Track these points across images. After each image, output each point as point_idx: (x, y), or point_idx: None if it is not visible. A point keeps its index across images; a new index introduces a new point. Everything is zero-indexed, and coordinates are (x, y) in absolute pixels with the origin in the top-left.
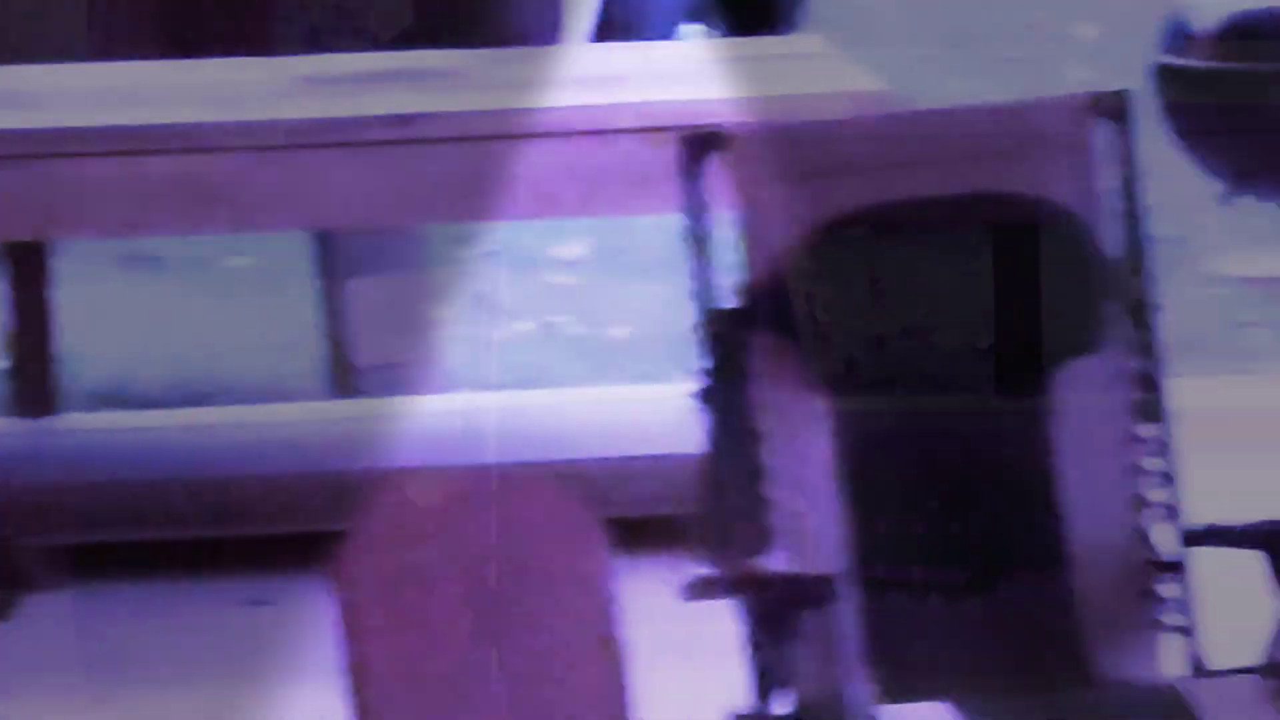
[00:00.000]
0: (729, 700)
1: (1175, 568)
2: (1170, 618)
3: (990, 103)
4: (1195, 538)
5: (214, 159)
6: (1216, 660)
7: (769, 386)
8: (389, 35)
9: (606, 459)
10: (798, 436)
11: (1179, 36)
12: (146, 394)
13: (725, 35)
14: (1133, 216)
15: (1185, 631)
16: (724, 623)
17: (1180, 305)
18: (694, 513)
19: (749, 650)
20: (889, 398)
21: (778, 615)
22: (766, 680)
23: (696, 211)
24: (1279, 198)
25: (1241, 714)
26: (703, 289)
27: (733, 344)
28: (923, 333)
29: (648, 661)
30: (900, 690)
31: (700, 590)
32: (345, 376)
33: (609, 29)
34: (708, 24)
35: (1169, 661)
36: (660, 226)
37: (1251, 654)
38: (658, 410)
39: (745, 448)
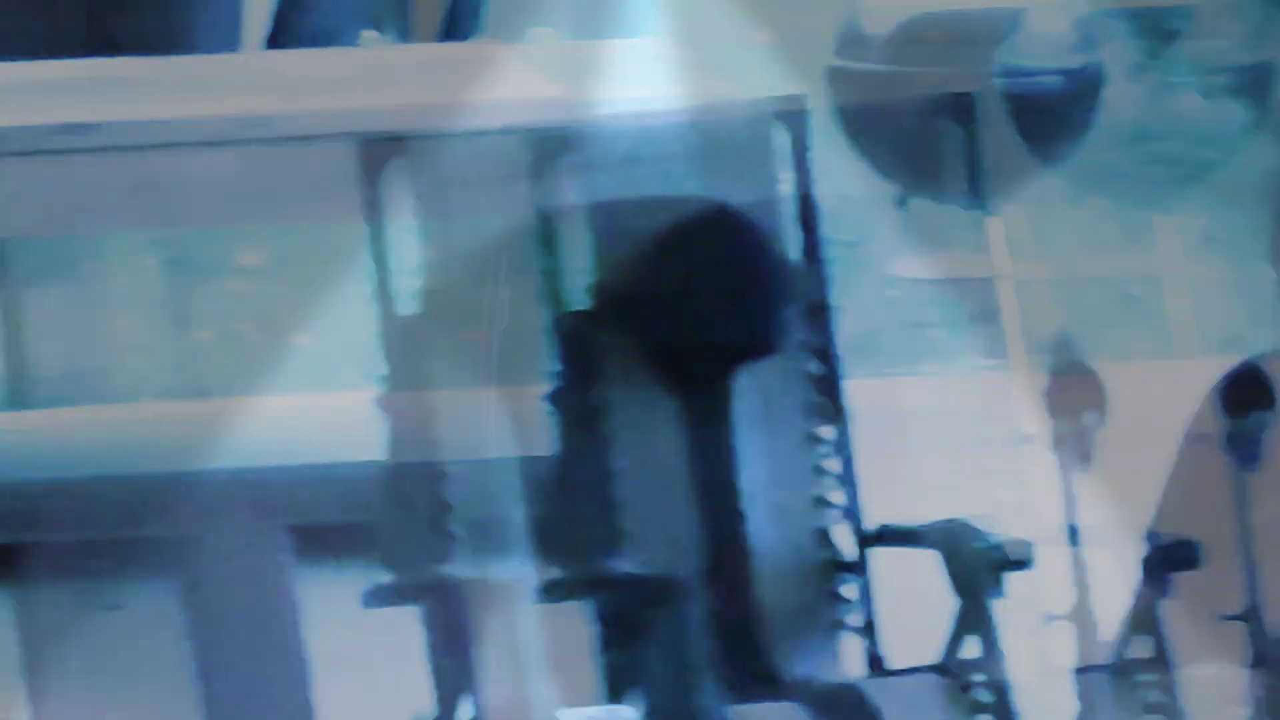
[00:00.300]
0: (410, 706)
1: (854, 568)
2: (850, 618)
3: (670, 106)
4: (873, 538)
5: None
6: (895, 659)
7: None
8: (65, 43)
9: (289, 467)
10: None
11: (853, 40)
12: None
13: (404, 41)
14: (810, 218)
15: (865, 631)
16: (405, 630)
17: (857, 307)
18: (376, 520)
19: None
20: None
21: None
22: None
23: (376, 217)
24: (950, 200)
25: (919, 712)
26: (383, 295)
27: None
28: None
29: (330, 668)
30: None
31: (382, 597)
32: (23, 386)
33: (287, 35)
34: (386, 30)
35: (850, 661)
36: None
37: (929, 653)
38: (340, 418)
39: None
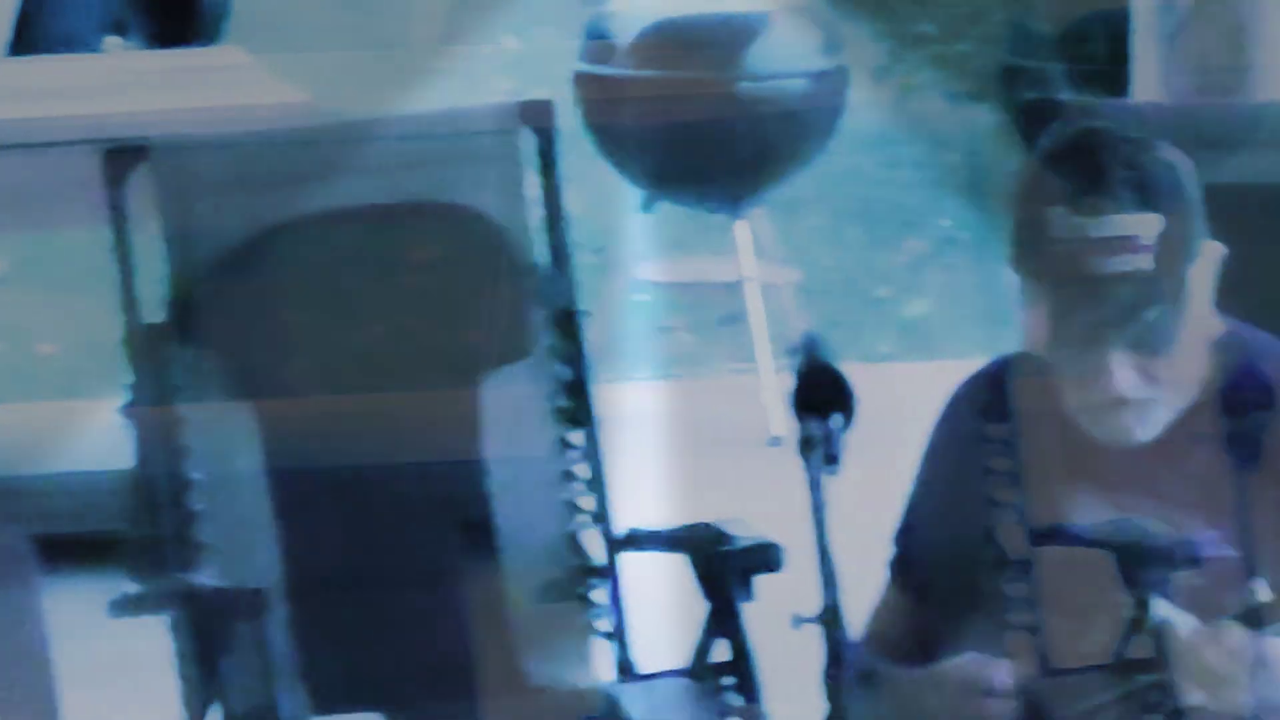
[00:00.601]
0: (159, 716)
1: (604, 573)
2: (600, 623)
3: (416, 112)
4: (623, 543)
5: None
6: (645, 663)
7: (195, 399)
8: None
9: (34, 476)
10: (225, 449)
11: (598, 45)
12: None
13: (148, 47)
14: (557, 224)
15: (616, 635)
16: (153, 640)
17: (605, 311)
18: (122, 529)
19: (181, 665)
20: (314, 406)
21: (209, 629)
22: (199, 695)
23: (120, 225)
24: (697, 204)
25: (669, 714)
26: (128, 303)
27: (158, 358)
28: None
29: (77, 678)
30: (332, 701)
31: (129, 607)
32: None
33: (28, 41)
34: (129, 36)
35: (599, 665)
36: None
37: (679, 656)
38: (85, 426)
39: (171, 462)
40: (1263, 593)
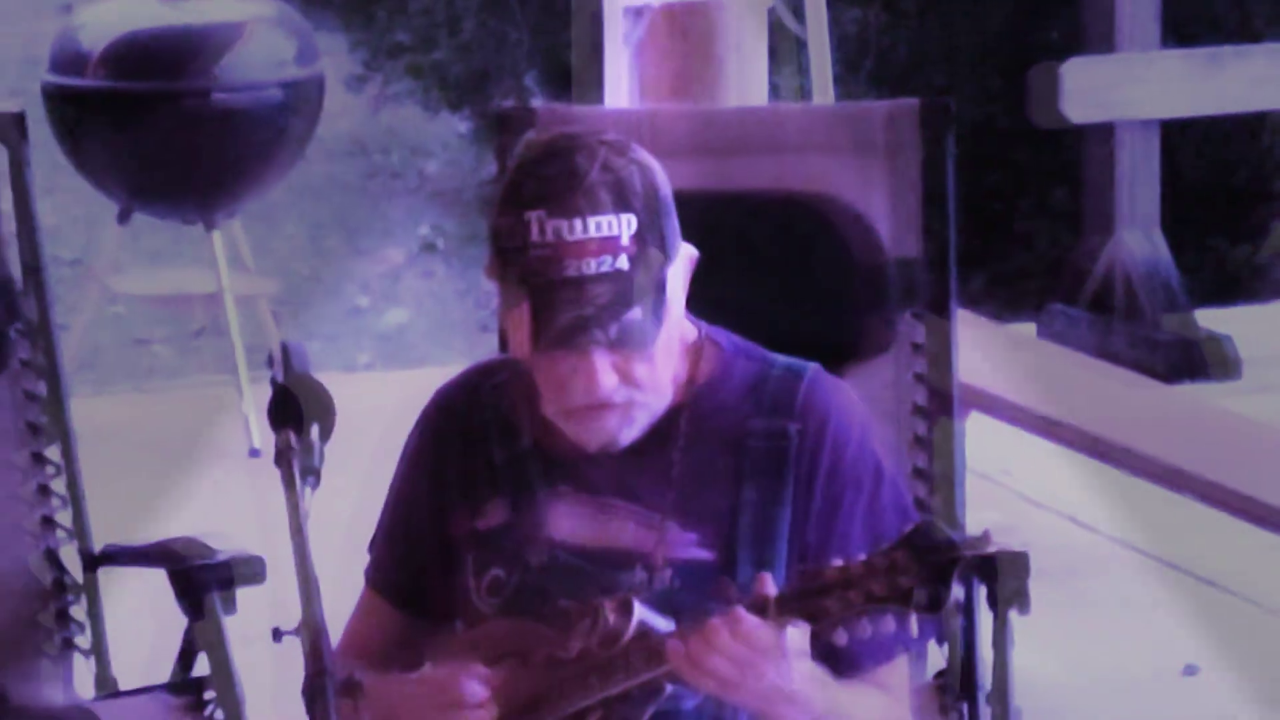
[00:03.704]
0: None
1: (82, 589)
2: (79, 639)
3: None
4: (101, 558)
5: None
6: (126, 680)
7: None
8: None
9: None
10: None
11: (68, 55)
12: None
13: None
14: (30, 236)
15: (95, 652)
16: None
17: (81, 324)
18: None
19: None
20: None
21: None
22: None
23: None
24: (173, 215)
25: None
26: None
27: None
28: None
29: None
30: None
31: None
32: None
33: None
34: None
35: (77, 682)
36: None
37: (162, 672)
38: None
39: None
40: (769, 585)
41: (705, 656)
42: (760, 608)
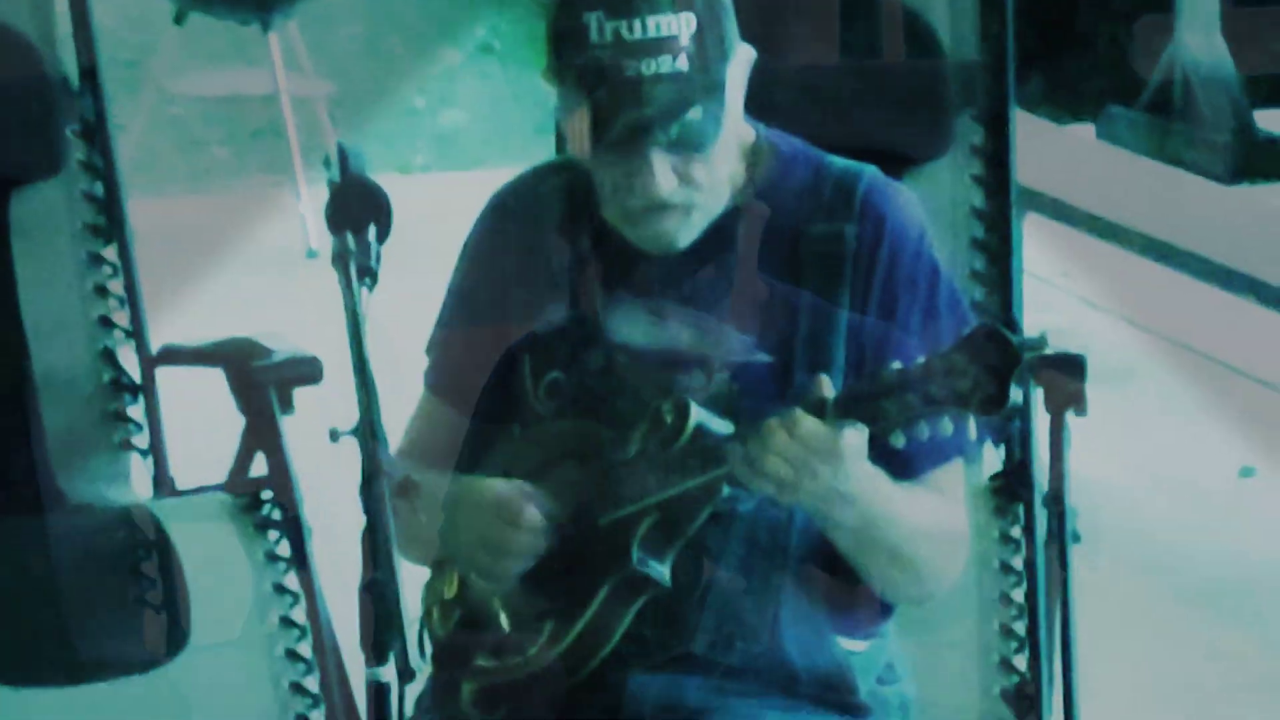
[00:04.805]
0: None
1: (139, 389)
2: (136, 439)
3: None
4: (159, 358)
5: None
6: (183, 480)
7: None
8: None
9: None
10: None
11: None
12: None
13: None
14: (87, 37)
15: (153, 451)
16: None
17: (138, 126)
18: None
19: None
20: None
21: None
22: None
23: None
24: (229, 16)
25: (208, 530)
26: None
27: None
28: None
29: None
30: None
31: None
32: None
33: None
34: None
35: (135, 482)
36: None
37: (218, 472)
38: None
39: None
40: (826, 387)
41: (762, 457)
42: (818, 409)
